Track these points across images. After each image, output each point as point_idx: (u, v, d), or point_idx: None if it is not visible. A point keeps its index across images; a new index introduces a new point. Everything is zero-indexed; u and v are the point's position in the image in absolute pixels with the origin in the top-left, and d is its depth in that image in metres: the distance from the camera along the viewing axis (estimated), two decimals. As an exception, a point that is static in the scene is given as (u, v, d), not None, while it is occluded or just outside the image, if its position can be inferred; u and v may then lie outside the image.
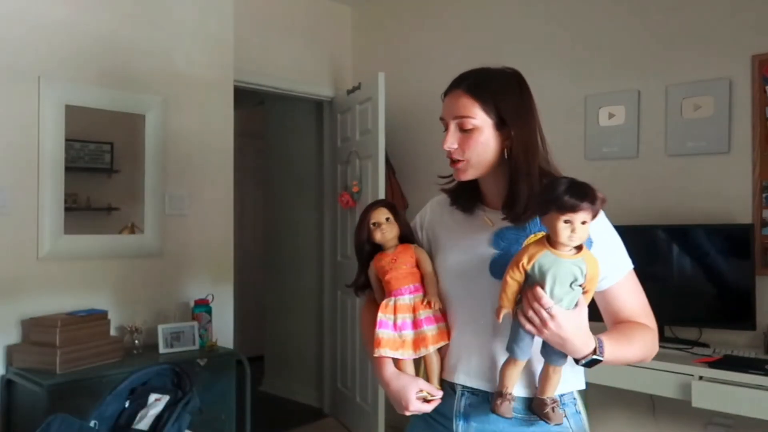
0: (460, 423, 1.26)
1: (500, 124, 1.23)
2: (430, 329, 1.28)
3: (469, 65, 1.33)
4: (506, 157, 1.24)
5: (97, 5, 2.85)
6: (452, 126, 1.25)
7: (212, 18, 3.27)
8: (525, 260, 1.11)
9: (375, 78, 3.56)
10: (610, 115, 3.08)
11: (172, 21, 3.11)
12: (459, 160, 1.26)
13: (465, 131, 1.24)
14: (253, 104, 4.96)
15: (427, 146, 3.63)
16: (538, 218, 1.18)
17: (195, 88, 3.19)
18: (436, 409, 1.29)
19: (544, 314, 1.09)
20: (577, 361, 1.14)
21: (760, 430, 2.37)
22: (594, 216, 1.09)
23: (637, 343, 1.23)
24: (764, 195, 2.63)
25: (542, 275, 1.10)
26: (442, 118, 1.29)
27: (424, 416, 1.33)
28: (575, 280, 1.10)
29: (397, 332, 1.29)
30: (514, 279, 1.13)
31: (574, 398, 1.29)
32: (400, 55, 4.02)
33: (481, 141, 1.23)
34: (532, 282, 1.12)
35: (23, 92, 2.62)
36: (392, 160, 3.84)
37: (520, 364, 1.18)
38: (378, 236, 1.34)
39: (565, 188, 1.07)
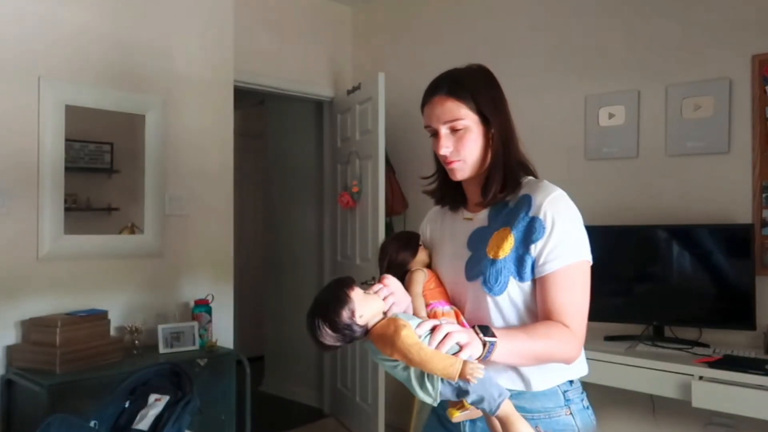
0: (467, 424, 1.29)
1: (483, 120, 1.28)
2: None
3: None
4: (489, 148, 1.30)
5: (97, 5, 2.85)
6: (443, 130, 1.28)
7: (212, 18, 3.27)
8: None
9: (375, 78, 3.56)
10: (610, 115, 3.07)
11: (172, 21, 3.11)
12: (455, 160, 1.29)
13: (456, 132, 1.28)
14: (253, 104, 4.96)
15: (428, 146, 3.60)
16: (504, 213, 1.27)
17: (195, 88, 3.19)
18: (441, 415, 1.33)
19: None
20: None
21: (760, 430, 2.37)
22: None
23: (538, 337, 1.16)
24: (764, 195, 2.63)
25: None
26: (428, 126, 1.31)
27: (441, 422, 1.35)
28: None
29: None
30: None
31: (582, 393, 1.31)
32: (400, 55, 4.02)
33: (473, 139, 1.28)
34: None
35: (23, 92, 2.62)
36: (392, 160, 3.84)
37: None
38: None
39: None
